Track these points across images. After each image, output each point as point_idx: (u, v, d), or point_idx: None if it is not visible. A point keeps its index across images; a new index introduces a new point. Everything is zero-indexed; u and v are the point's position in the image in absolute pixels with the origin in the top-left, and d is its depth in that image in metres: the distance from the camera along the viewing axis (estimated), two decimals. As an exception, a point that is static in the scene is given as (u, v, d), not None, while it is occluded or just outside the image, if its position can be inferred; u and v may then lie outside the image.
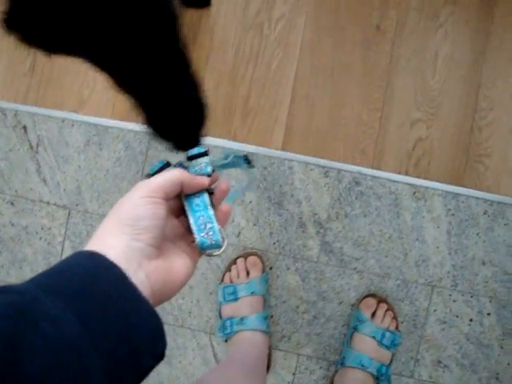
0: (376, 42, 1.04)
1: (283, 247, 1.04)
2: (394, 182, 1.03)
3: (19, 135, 1.13)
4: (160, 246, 0.39)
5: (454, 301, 1.02)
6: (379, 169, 1.03)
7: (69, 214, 1.10)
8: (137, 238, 0.36)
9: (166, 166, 0.45)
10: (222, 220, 0.44)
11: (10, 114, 1.13)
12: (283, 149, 1.04)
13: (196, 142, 0.46)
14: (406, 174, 1.03)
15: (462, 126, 1.04)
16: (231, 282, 1.02)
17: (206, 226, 0.42)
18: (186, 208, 0.43)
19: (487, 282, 1.02)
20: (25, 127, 1.12)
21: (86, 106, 1.11)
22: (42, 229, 1.12)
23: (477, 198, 1.02)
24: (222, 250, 0.42)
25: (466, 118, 1.03)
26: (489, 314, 1.02)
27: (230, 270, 1.04)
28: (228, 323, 0.98)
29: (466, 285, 1.02)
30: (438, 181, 1.03)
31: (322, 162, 1.03)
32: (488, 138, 1.03)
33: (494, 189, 1.02)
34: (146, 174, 0.45)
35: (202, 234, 0.41)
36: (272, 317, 1.05)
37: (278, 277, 1.04)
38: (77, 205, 1.10)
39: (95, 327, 0.29)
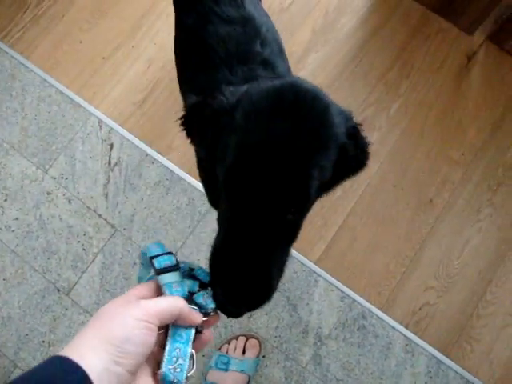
0: (425, 211, 1.23)
1: (282, 343, 1.15)
2: (394, 329, 1.17)
3: (104, 149, 1.26)
4: (136, 371, 0.36)
5: None
6: (386, 313, 1.17)
7: (114, 233, 1.22)
8: (118, 362, 0.34)
9: (174, 267, 0.43)
10: (198, 348, 0.42)
11: (106, 129, 1.28)
12: (317, 263, 1.18)
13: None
14: (406, 326, 1.17)
15: (465, 307, 1.19)
16: (227, 353, 1.12)
17: (177, 360, 0.39)
18: (169, 333, 0.41)
19: None
20: (112, 145, 1.27)
21: (172, 153, 1.26)
22: (84, 235, 1.22)
23: (456, 372, 1.16)
24: None
25: (470, 302, 1.19)
26: None
27: (229, 343, 1.14)
28: (208, 387, 1.08)
29: None
30: (429, 343, 1.17)
31: (344, 288, 1.17)
32: (483, 327, 1.18)
33: (473, 371, 1.16)
34: (147, 255, 0.44)
35: (170, 367, 0.39)
36: (245, 398, 1.14)
37: (266, 366, 1.15)
38: (124, 229, 1.22)
39: None
